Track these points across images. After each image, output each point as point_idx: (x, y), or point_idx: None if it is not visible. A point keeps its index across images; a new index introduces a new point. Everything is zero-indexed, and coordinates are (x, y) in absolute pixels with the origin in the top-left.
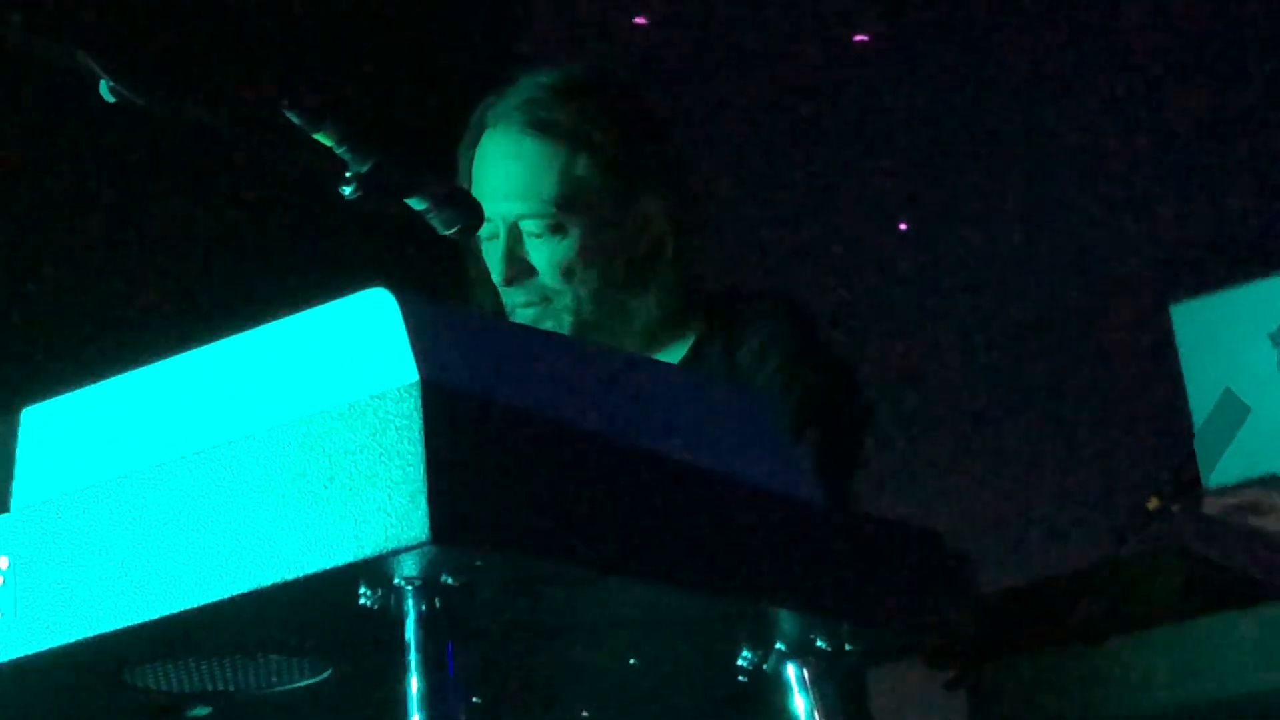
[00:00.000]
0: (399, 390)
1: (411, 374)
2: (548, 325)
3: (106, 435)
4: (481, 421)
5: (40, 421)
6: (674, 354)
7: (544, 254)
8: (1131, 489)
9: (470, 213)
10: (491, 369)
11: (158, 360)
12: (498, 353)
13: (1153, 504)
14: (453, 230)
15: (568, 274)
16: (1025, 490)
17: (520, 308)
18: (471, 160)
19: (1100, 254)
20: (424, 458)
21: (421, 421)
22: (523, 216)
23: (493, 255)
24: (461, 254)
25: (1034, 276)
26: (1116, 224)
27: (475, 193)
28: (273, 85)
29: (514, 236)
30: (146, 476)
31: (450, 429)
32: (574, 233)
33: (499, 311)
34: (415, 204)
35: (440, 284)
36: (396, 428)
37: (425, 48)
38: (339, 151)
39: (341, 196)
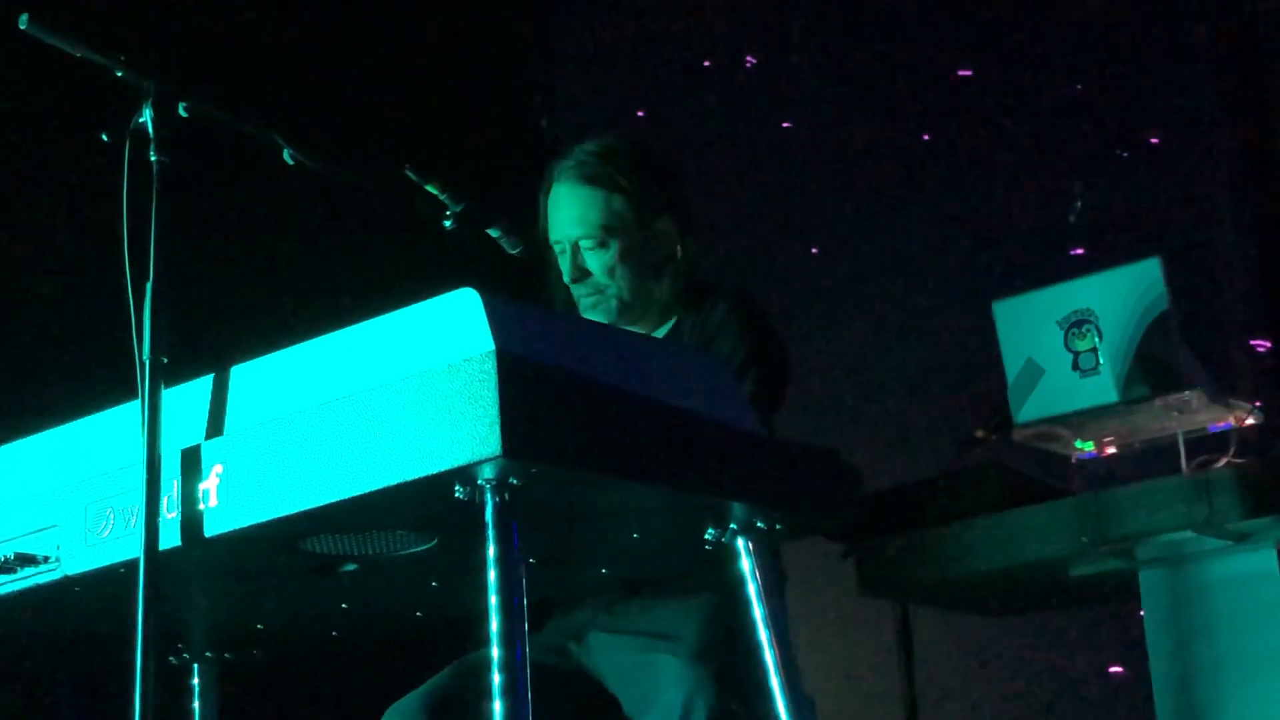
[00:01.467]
0: (481, 355)
1: (489, 344)
2: (602, 308)
3: (291, 383)
4: (536, 377)
5: (248, 373)
6: (664, 330)
7: (596, 262)
8: (967, 426)
9: (528, 239)
10: (544, 342)
11: (291, 344)
12: (548, 332)
13: (980, 434)
14: (517, 250)
15: (612, 273)
16: (899, 428)
17: (584, 298)
18: (546, 203)
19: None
20: (498, 400)
21: (496, 376)
22: (580, 238)
23: (563, 265)
24: (543, 272)
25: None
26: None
27: (551, 224)
28: (393, 151)
29: (576, 251)
30: (317, 412)
31: (516, 381)
32: (614, 246)
33: (569, 305)
34: (493, 233)
35: (529, 293)
36: (480, 380)
37: (479, 125)
38: (442, 198)
39: (444, 228)
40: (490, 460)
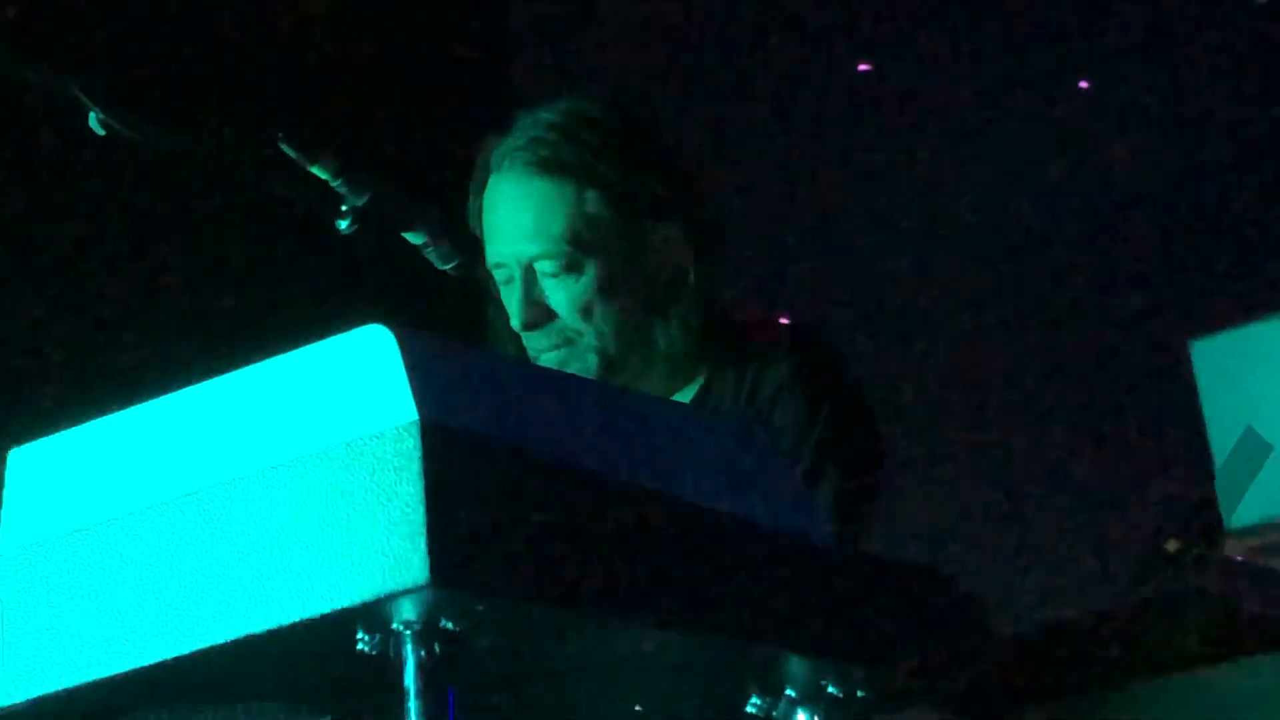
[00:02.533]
0: (397, 429)
1: (410, 413)
2: (574, 367)
3: (95, 477)
4: (482, 461)
5: (27, 463)
6: (685, 394)
7: (562, 294)
8: (1150, 530)
9: (467, 247)
10: (492, 408)
11: (148, 400)
12: (499, 391)
13: (1172, 546)
14: (450, 265)
15: (587, 312)
16: (1040, 530)
17: (544, 352)
18: (480, 206)
19: (1119, 288)
20: (423, 498)
21: (420, 461)
22: (537, 258)
23: (510, 300)
24: (482, 300)
25: (1047, 315)
26: (1134, 259)
27: (488, 237)
28: (266, 118)
29: (529, 279)
30: (137, 520)
31: (450, 469)
32: (590, 269)
33: (523, 357)
34: (412, 238)
35: (463, 331)
36: (395, 468)
37: (416, 78)
38: (335, 185)
39: (338, 230)
40: (412, 592)
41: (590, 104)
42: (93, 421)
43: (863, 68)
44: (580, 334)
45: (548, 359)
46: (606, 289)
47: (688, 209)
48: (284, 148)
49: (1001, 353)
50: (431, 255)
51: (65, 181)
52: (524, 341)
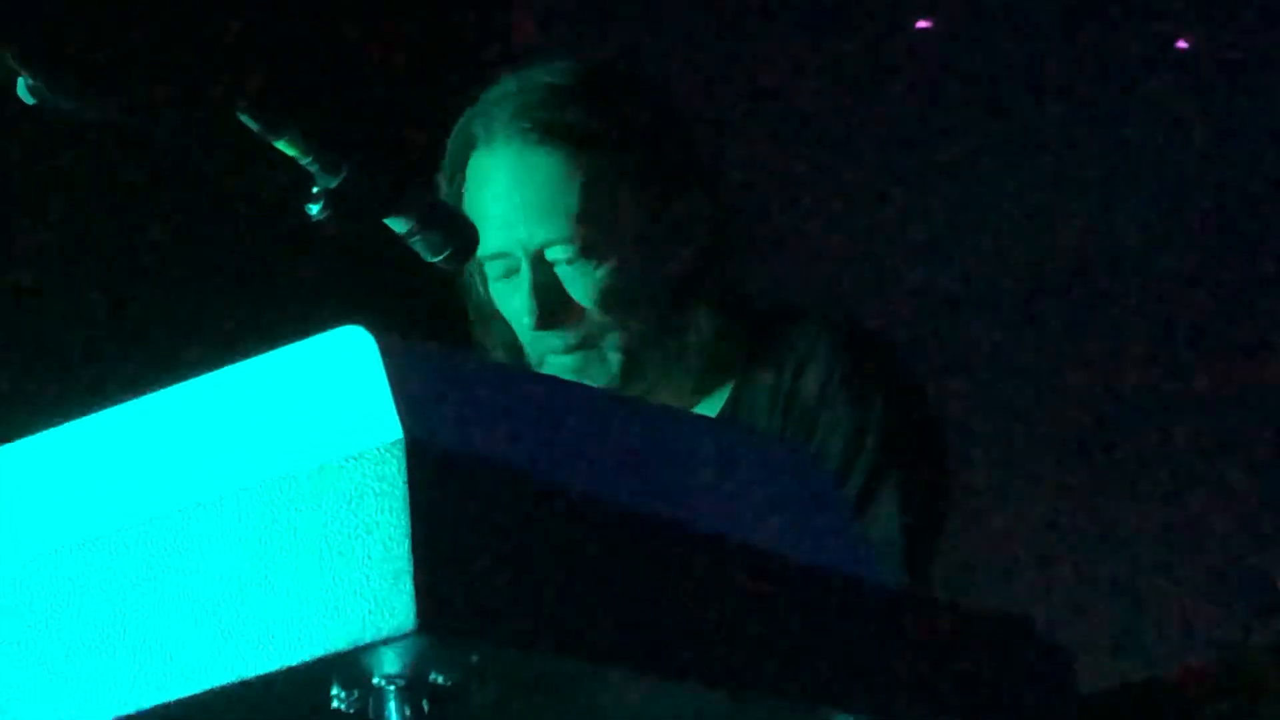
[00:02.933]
0: (379, 450)
1: (394, 431)
2: (594, 371)
3: (29, 504)
4: (478, 488)
5: None
6: (717, 398)
7: (582, 284)
8: (1257, 570)
9: (461, 234)
10: (490, 426)
11: (89, 413)
12: (497, 406)
13: None
14: (441, 256)
15: (611, 305)
16: (1133, 571)
17: (556, 354)
18: (459, 188)
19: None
20: (408, 531)
21: (406, 488)
22: (550, 242)
23: (514, 295)
24: (459, 293)
25: (1137, 344)
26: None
27: (482, 221)
28: (225, 85)
29: (542, 269)
30: (75, 554)
31: (440, 497)
32: (611, 252)
33: (515, 360)
34: (396, 225)
35: (434, 327)
36: (376, 494)
37: (403, 39)
38: (304, 163)
39: (308, 216)
40: (395, 640)
41: (594, 64)
42: (18, 441)
43: (922, 24)
44: (605, 330)
45: (560, 363)
46: (628, 275)
47: (708, 176)
48: (244, 119)
49: (1084, 371)
50: (418, 245)
51: None
52: (530, 344)
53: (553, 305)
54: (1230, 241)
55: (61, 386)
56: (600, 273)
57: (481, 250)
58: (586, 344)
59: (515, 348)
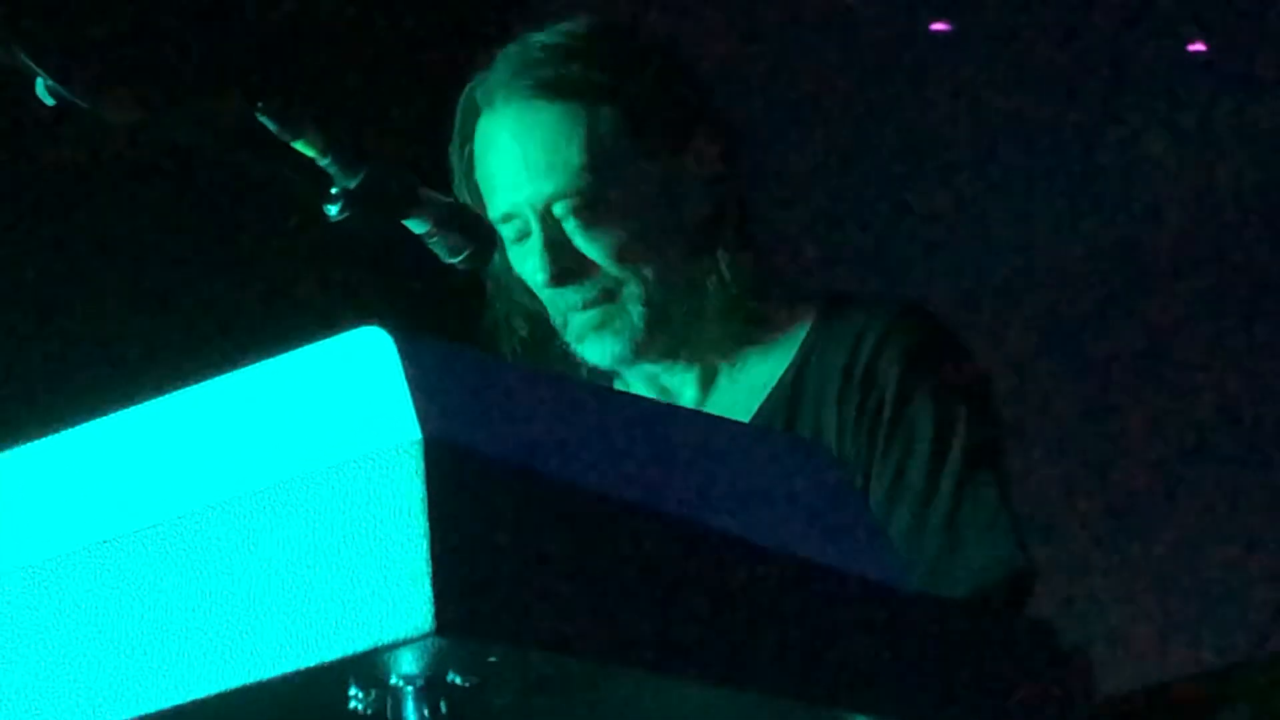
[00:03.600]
0: (397, 449)
1: (413, 430)
2: (617, 325)
3: (40, 507)
4: (496, 488)
5: None
6: (780, 353)
7: (591, 237)
8: (1272, 579)
9: (481, 236)
10: (509, 425)
11: (105, 414)
12: (516, 406)
13: None
14: (460, 257)
15: (622, 255)
16: (1150, 579)
17: (576, 311)
18: (469, 159)
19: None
20: (427, 531)
21: (424, 488)
22: (555, 197)
23: (528, 256)
24: (481, 292)
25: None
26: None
27: (488, 188)
28: (243, 85)
29: (551, 225)
30: (93, 555)
31: (459, 497)
32: (619, 205)
33: (538, 345)
34: (414, 226)
35: (452, 327)
36: (394, 494)
37: (422, 40)
38: (323, 163)
39: (326, 217)
40: (413, 641)
41: (593, 22)
42: (35, 441)
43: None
44: (621, 283)
45: (582, 319)
46: (639, 225)
47: (716, 124)
48: (262, 119)
49: (1103, 367)
50: (437, 247)
51: (11, 160)
52: (550, 305)
53: (565, 262)
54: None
55: (80, 387)
56: (608, 225)
57: (493, 213)
58: (604, 299)
59: (537, 316)
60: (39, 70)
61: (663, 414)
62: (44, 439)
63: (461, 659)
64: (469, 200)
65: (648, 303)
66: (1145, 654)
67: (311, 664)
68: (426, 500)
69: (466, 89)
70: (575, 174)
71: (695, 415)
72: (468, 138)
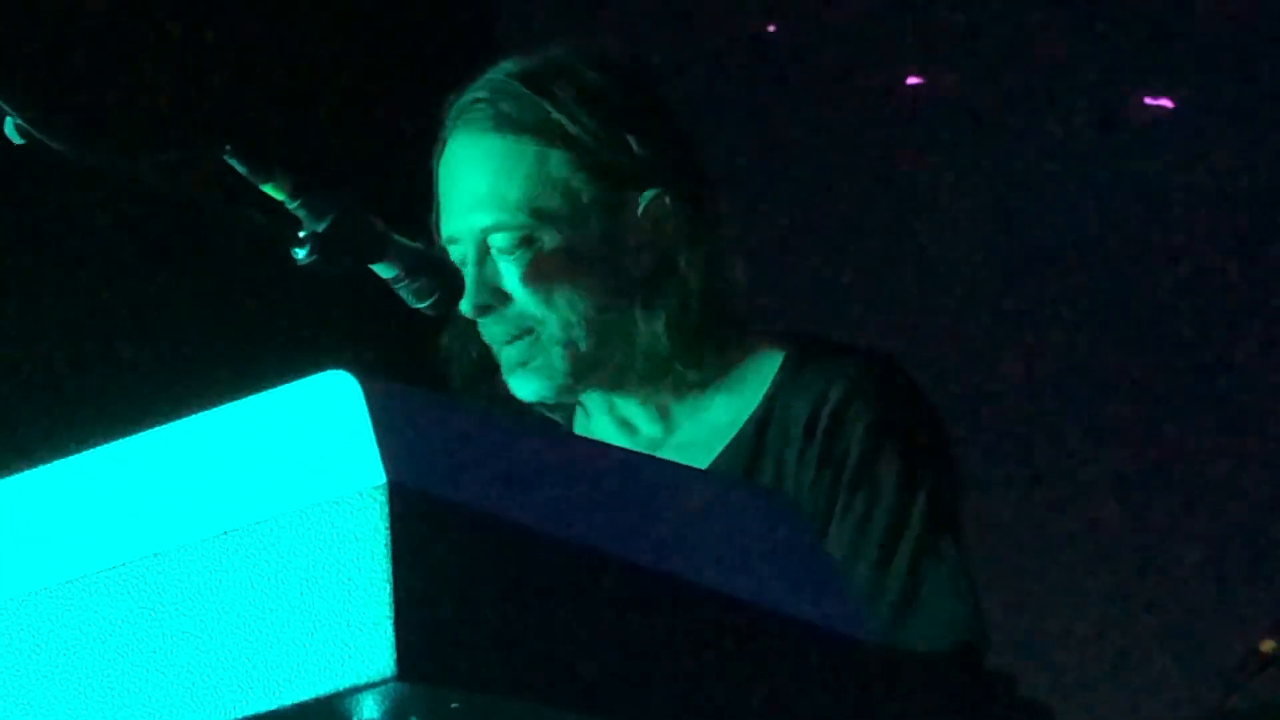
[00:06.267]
0: (361, 494)
1: (377, 475)
2: (538, 364)
3: (8, 544)
4: (461, 534)
5: None
6: (747, 393)
7: (515, 272)
8: (1246, 632)
9: (448, 281)
10: (473, 471)
11: (70, 454)
12: (481, 452)
13: (1267, 646)
14: (428, 302)
15: (546, 295)
16: (1116, 630)
17: (503, 345)
18: (436, 177)
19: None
20: (390, 576)
21: (388, 533)
22: (490, 230)
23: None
24: (439, 327)
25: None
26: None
27: (442, 209)
28: (211, 127)
29: (481, 254)
30: (56, 594)
31: (423, 542)
32: (550, 244)
33: (478, 374)
34: (382, 270)
35: (418, 372)
36: (358, 539)
37: (392, 82)
38: (291, 207)
39: (294, 260)
40: (375, 685)
41: (569, 51)
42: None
43: (912, 80)
44: (540, 322)
45: (508, 354)
46: (571, 268)
47: (679, 176)
48: (231, 162)
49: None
50: (404, 292)
51: None
52: (482, 333)
53: (487, 295)
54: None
55: (44, 428)
56: (539, 264)
57: (442, 237)
58: (524, 335)
59: (482, 353)
60: (8, 109)
61: (628, 462)
62: (9, 478)
63: (424, 704)
64: (438, 216)
65: (568, 345)
66: (1105, 708)
67: (274, 707)
68: (390, 545)
69: (445, 106)
70: (510, 210)
71: (661, 463)
72: (437, 155)
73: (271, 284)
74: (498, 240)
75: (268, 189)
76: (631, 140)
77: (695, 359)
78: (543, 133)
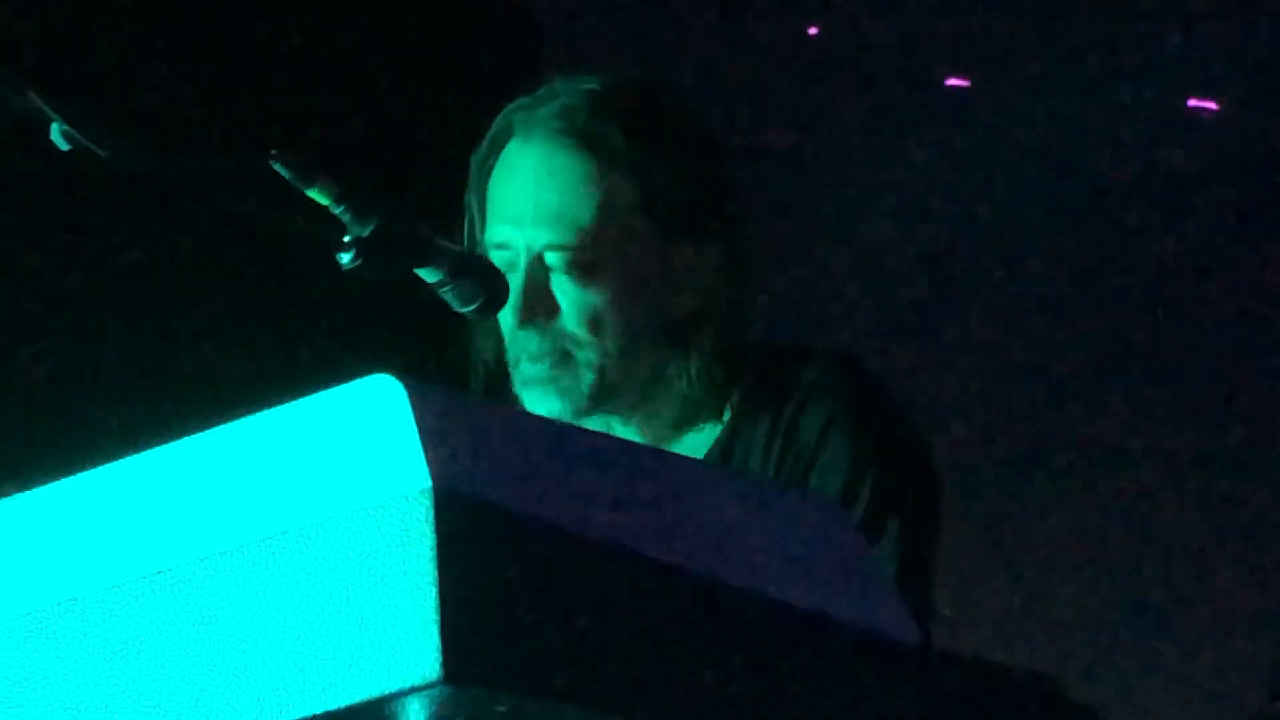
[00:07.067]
0: (407, 498)
1: (423, 479)
2: (564, 384)
3: (46, 552)
4: (506, 537)
5: None
6: (706, 435)
7: (570, 295)
8: (1258, 686)
9: (492, 286)
10: (519, 475)
11: (111, 460)
12: (526, 455)
13: None
14: (472, 306)
15: (596, 324)
16: (1128, 688)
17: (532, 360)
18: (488, 174)
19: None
20: (435, 580)
21: (434, 536)
22: (551, 247)
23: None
24: (468, 331)
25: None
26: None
27: (495, 211)
28: (257, 133)
29: (538, 268)
30: (94, 603)
31: (468, 546)
32: (608, 274)
33: (495, 375)
34: (426, 275)
35: (463, 376)
36: (403, 543)
37: (438, 90)
38: (336, 211)
39: (338, 265)
40: (421, 690)
41: (644, 84)
42: (46, 485)
43: (953, 82)
44: (580, 345)
45: (533, 369)
46: (620, 299)
47: (730, 232)
48: (276, 167)
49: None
50: (448, 296)
51: (24, 205)
52: (509, 344)
53: (537, 309)
54: None
55: (90, 433)
56: (589, 289)
57: (489, 236)
58: (559, 355)
59: (499, 357)
60: (54, 116)
61: (673, 465)
62: (55, 483)
63: (469, 708)
64: (474, 208)
65: (600, 372)
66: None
67: (320, 711)
68: (435, 548)
69: (510, 107)
70: (578, 232)
71: (706, 467)
72: (494, 153)
73: (317, 288)
74: (556, 258)
75: (312, 194)
76: (694, 186)
77: (720, 403)
78: (616, 160)
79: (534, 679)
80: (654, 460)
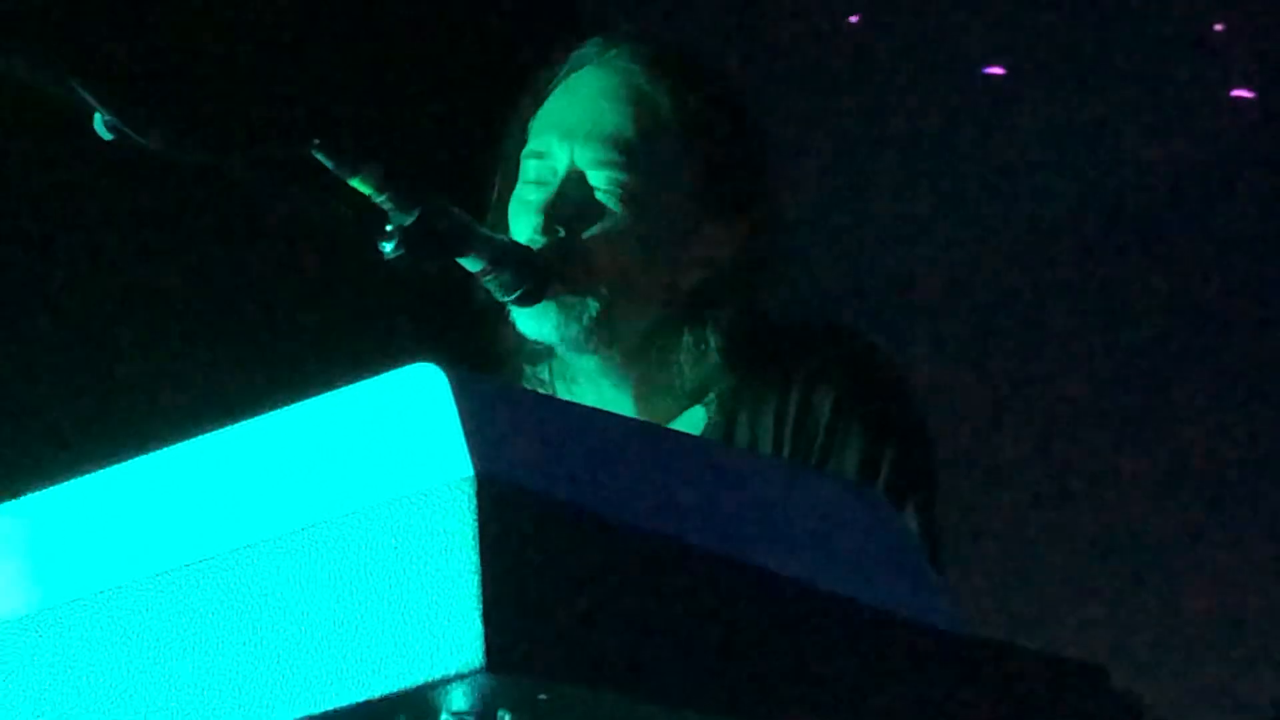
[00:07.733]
0: (449, 486)
1: (465, 467)
2: (565, 303)
3: (92, 540)
4: (548, 525)
5: (15, 520)
6: (708, 410)
7: (597, 219)
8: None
9: (535, 274)
10: (560, 463)
11: (156, 449)
12: (568, 443)
13: None
14: (514, 295)
15: (613, 255)
16: (1175, 625)
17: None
18: (541, 98)
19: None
20: (478, 567)
21: (476, 524)
22: (597, 163)
23: (531, 198)
24: (491, 319)
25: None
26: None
27: (540, 125)
28: (299, 123)
29: (574, 184)
30: (139, 590)
31: (510, 533)
32: (638, 211)
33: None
34: (469, 264)
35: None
36: (446, 531)
37: (479, 80)
38: (378, 200)
39: (381, 254)
40: (464, 677)
41: (712, 59)
42: (89, 474)
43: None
44: (595, 269)
45: (532, 306)
46: (645, 244)
47: (761, 218)
48: (318, 157)
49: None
50: (491, 285)
51: (66, 193)
52: (518, 225)
53: (563, 219)
54: None
55: (134, 422)
56: (618, 220)
57: (530, 144)
58: (569, 273)
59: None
60: (97, 106)
61: (715, 453)
62: (97, 471)
63: (512, 696)
64: (516, 126)
65: (605, 304)
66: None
67: (362, 699)
68: (478, 536)
69: (589, 40)
70: (628, 156)
71: (749, 455)
72: (562, 74)
73: (361, 276)
74: (598, 177)
75: (355, 183)
76: (744, 167)
77: (722, 380)
78: (682, 117)
79: (576, 667)
80: (696, 448)
